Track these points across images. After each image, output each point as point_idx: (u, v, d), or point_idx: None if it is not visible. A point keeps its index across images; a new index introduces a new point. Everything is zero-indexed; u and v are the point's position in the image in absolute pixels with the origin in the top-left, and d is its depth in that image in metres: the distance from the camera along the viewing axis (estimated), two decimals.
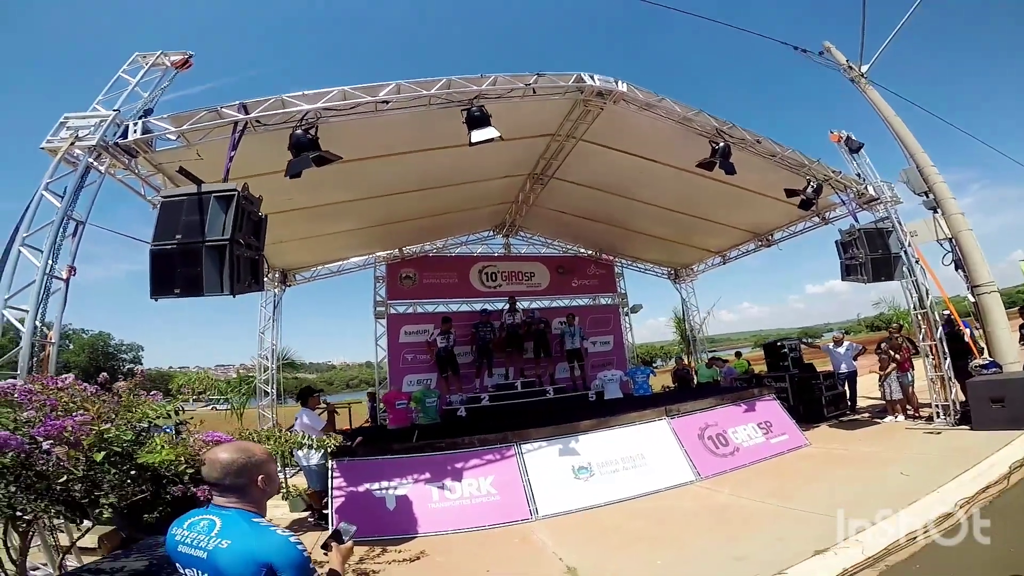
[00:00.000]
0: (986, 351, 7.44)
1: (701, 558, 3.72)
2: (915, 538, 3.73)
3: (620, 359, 12.26)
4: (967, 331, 7.68)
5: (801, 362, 9.70)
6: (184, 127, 4.63)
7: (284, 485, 6.24)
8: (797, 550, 3.55)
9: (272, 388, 9.23)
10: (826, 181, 7.41)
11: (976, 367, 7.02)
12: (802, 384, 8.92)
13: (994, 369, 6.91)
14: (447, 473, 5.37)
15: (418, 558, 4.22)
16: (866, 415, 8.65)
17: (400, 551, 4.36)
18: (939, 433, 6.76)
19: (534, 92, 5.62)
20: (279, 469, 2.79)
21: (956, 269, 7.90)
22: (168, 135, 4.69)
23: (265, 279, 9.09)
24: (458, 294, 11.44)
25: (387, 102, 5.10)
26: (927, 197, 8.10)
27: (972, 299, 7.82)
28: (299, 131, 4.75)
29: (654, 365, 13.31)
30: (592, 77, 5.80)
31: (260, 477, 1.50)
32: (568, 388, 10.14)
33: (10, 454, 2.11)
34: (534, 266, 12.26)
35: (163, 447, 2.47)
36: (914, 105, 14.79)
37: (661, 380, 13.60)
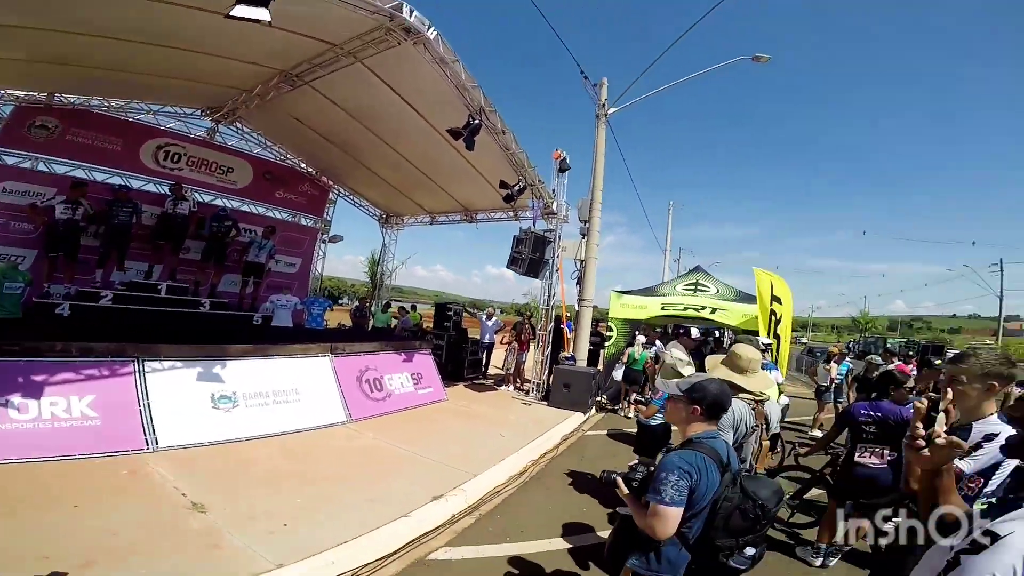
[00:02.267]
0: (571, 346, 10.08)
1: (338, 498, 3.88)
2: (500, 491, 4.62)
3: (302, 285, 11.84)
4: (567, 330, 10.36)
5: (460, 326, 11.23)
6: None
7: None
8: (420, 495, 4.01)
9: None
10: (531, 186, 8.74)
11: (563, 358, 9.43)
12: (455, 345, 10.46)
13: (572, 362, 9.38)
14: (18, 386, 4.15)
15: None
16: (491, 381, 10.65)
17: None
18: (530, 405, 8.70)
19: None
20: None
21: (577, 284, 10.35)
22: None
23: None
24: (115, 164, 8.89)
25: None
26: (584, 225, 10.20)
27: (577, 308, 10.49)
28: None
29: (340, 302, 13.37)
30: (411, 12, 5.43)
31: None
32: (232, 305, 9.19)
33: None
34: (237, 162, 10.53)
35: None
36: (620, 153, 18.69)
37: (341, 317, 13.77)
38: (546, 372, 9.50)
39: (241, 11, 4.27)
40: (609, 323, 10.34)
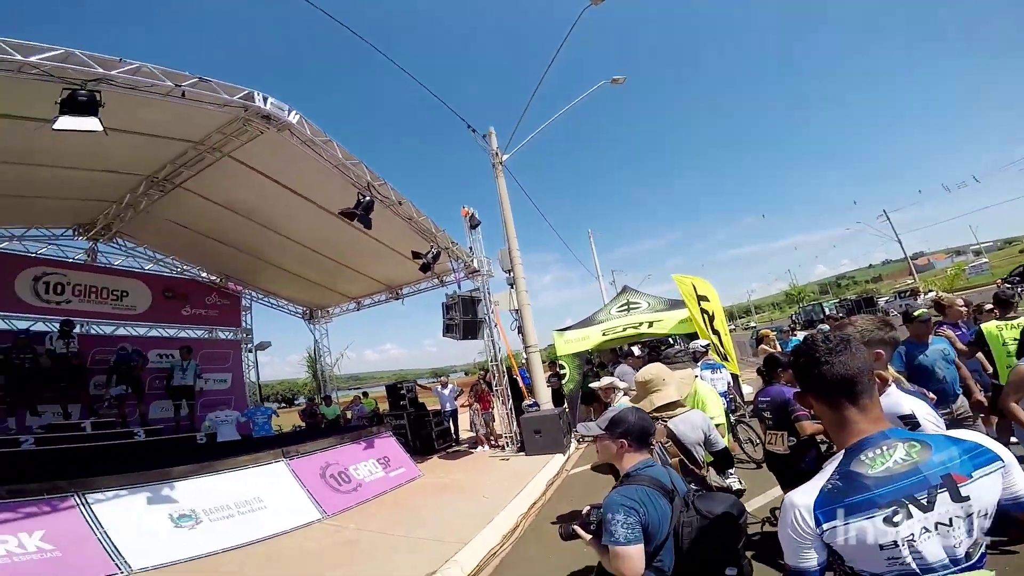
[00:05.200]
0: (532, 393, 10.05)
1: None
2: (496, 552, 4.51)
3: (240, 398, 11.05)
4: (521, 378, 10.39)
5: (416, 401, 11.02)
6: None
7: None
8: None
9: None
10: (445, 250, 8.84)
11: (526, 406, 9.39)
12: (417, 421, 10.19)
13: (536, 408, 9.35)
14: None
15: None
16: (465, 446, 10.39)
17: None
18: (508, 460, 8.56)
19: (183, 96, 4.86)
20: None
21: (518, 333, 10.42)
22: None
23: None
24: None
25: None
26: (509, 275, 10.27)
27: (526, 355, 10.63)
28: None
29: (296, 402, 12.53)
30: (264, 99, 5.43)
31: None
32: (168, 430, 8.51)
33: None
34: (130, 283, 9.88)
35: None
36: (528, 198, 19.55)
37: (292, 419, 12.81)
38: (514, 424, 9.41)
39: (67, 123, 4.16)
40: (560, 361, 10.52)
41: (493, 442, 9.99)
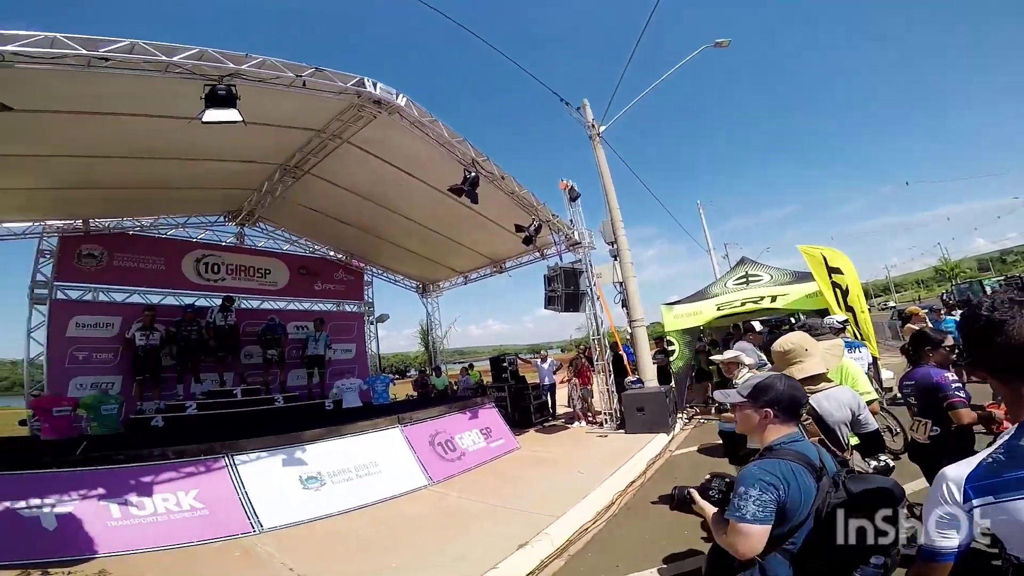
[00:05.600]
0: (636, 370, 9.71)
1: (429, 559, 3.93)
2: (588, 528, 4.47)
3: (362, 367, 12.07)
4: (625, 354, 10.08)
5: (517, 374, 11.20)
6: None
7: None
8: (507, 545, 3.97)
9: None
10: (546, 223, 8.80)
11: (628, 383, 9.05)
12: (517, 394, 10.38)
13: (639, 385, 9.01)
14: (131, 488, 4.58)
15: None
16: (562, 421, 10.41)
17: (71, 572, 3.71)
18: (606, 436, 8.42)
19: (304, 85, 5.27)
20: None
21: (622, 307, 10.09)
22: None
23: None
24: (164, 283, 9.54)
25: (106, 59, 4.15)
26: (612, 246, 9.98)
27: (630, 330, 10.25)
28: None
29: (407, 374, 13.55)
30: (374, 84, 5.72)
31: None
32: (303, 396, 9.52)
33: None
34: (271, 263, 11.14)
35: None
36: (628, 168, 18.84)
37: (407, 389, 13.93)
38: (615, 401, 9.22)
39: (213, 115, 4.62)
40: (668, 338, 9.97)
41: (591, 418, 9.87)
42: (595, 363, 9.69)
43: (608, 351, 9.56)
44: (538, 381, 10.90)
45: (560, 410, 11.10)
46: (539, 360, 11.11)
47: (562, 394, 11.18)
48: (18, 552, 3.87)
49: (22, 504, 4.13)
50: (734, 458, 4.32)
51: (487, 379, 12.39)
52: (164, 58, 4.39)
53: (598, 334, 9.54)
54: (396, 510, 5.34)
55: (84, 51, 4.04)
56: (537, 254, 10.97)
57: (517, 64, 8.65)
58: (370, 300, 13.06)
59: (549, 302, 8.79)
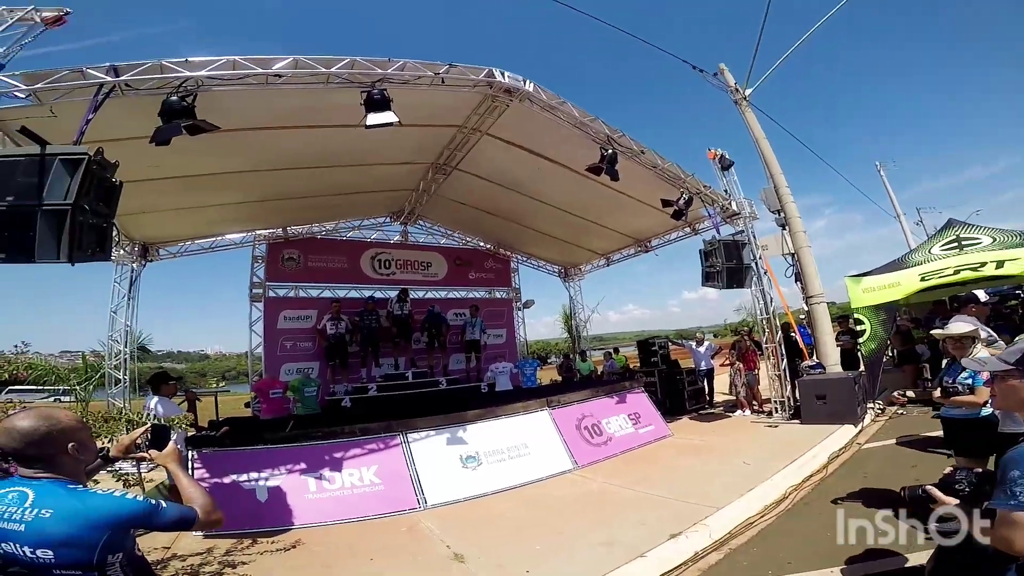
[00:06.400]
0: (814, 353, 8.60)
1: (574, 543, 3.93)
2: (753, 523, 4.15)
3: (512, 352, 12.60)
4: (800, 336, 8.85)
5: (669, 359, 10.65)
6: (37, 86, 3.98)
7: (140, 479, 5.70)
8: (656, 534, 3.83)
9: (124, 375, 8.16)
10: (697, 195, 8.12)
11: (805, 368, 8.08)
12: (668, 379, 9.88)
13: (819, 370, 7.99)
14: (326, 463, 5.18)
15: (293, 547, 4.09)
16: (720, 409, 9.69)
17: (274, 542, 4.18)
18: (776, 426, 7.66)
19: (443, 82, 5.57)
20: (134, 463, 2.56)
21: (796, 281, 9.01)
22: (16, 92, 3.98)
23: (122, 251, 8.07)
24: (347, 279, 11.03)
25: (280, 76, 4.77)
26: (779, 215, 9.06)
27: (806, 308, 9.03)
28: (174, 97, 4.30)
29: (548, 360, 13.88)
30: (503, 74, 5.85)
31: (71, 445, 1.42)
32: (462, 379, 10.22)
33: None
34: (432, 256, 12.18)
35: None
36: (784, 130, 16.79)
37: (550, 374, 14.28)
38: (786, 387, 8.23)
39: (374, 119, 4.98)
40: (855, 315, 8.49)
41: (757, 406, 8.97)
42: (763, 346, 8.78)
43: (779, 332, 8.55)
44: (692, 366, 10.24)
45: (719, 397, 10.33)
46: (694, 344, 10.40)
47: (721, 380, 10.41)
48: (240, 522, 4.35)
49: (244, 477, 4.83)
50: (963, 449, 3.51)
51: (634, 364, 12.03)
52: (324, 70, 4.91)
53: (766, 313, 8.58)
54: (543, 492, 5.40)
55: (260, 70, 4.67)
56: (688, 229, 10.30)
57: (642, 40, 8.24)
58: (517, 286, 13.54)
59: (707, 278, 8.10)
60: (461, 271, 12.48)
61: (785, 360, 8.44)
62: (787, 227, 8.94)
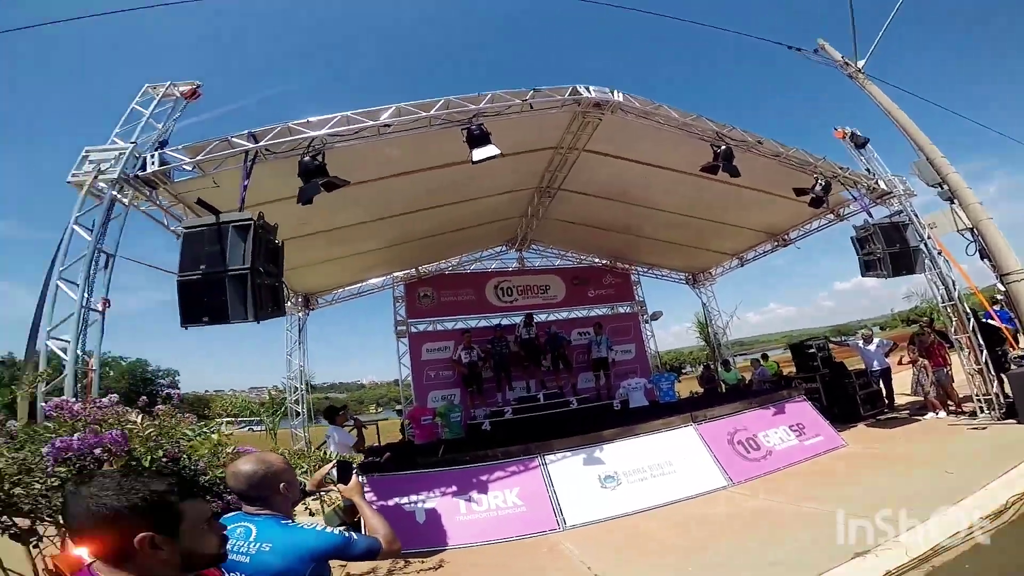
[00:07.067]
0: (1019, 339, 7.17)
1: (732, 563, 3.65)
2: (964, 537, 3.62)
3: (643, 367, 12.12)
4: (1000, 320, 7.45)
5: (831, 361, 9.43)
6: (199, 157, 4.81)
7: (321, 500, 6.40)
8: (837, 553, 3.45)
9: (303, 408, 9.47)
10: (834, 178, 7.30)
11: (1017, 358, 6.78)
12: (834, 384, 8.75)
13: None
14: (473, 486, 5.42)
15: (440, 566, 4.30)
16: (905, 412, 8.37)
17: (425, 563, 4.41)
18: (984, 428, 6.49)
19: (531, 107, 5.67)
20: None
21: (982, 259, 7.64)
22: (184, 166, 4.87)
23: (288, 304, 9.34)
24: (475, 310, 11.55)
25: (388, 125, 5.20)
26: (941, 188, 7.84)
27: (1002, 288, 7.56)
28: (307, 158, 4.88)
29: (683, 371, 13.11)
30: (588, 89, 5.81)
31: (282, 485, 1.64)
32: (592, 398, 10.08)
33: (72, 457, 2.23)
34: (549, 279, 12.29)
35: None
36: (916, 97, 14.45)
37: (689, 386, 13.42)
38: (992, 382, 6.80)
39: (479, 154, 5.16)
40: None
41: (952, 407, 7.59)
42: (951, 337, 7.45)
43: (971, 319, 7.16)
44: (863, 367, 8.98)
45: (900, 400, 8.89)
46: (860, 341, 9.10)
47: (900, 380, 8.94)
48: (403, 543, 4.93)
49: (405, 500, 5.20)
50: None
51: (788, 370, 10.83)
52: (424, 113, 5.23)
53: (950, 299, 7.25)
54: (693, 511, 5.14)
55: (371, 122, 5.10)
56: (830, 216, 9.22)
57: (726, 30, 7.69)
58: (641, 299, 13.05)
59: (868, 267, 7.16)
60: (579, 290, 12.39)
61: (984, 351, 7.01)
62: (955, 200, 7.68)
